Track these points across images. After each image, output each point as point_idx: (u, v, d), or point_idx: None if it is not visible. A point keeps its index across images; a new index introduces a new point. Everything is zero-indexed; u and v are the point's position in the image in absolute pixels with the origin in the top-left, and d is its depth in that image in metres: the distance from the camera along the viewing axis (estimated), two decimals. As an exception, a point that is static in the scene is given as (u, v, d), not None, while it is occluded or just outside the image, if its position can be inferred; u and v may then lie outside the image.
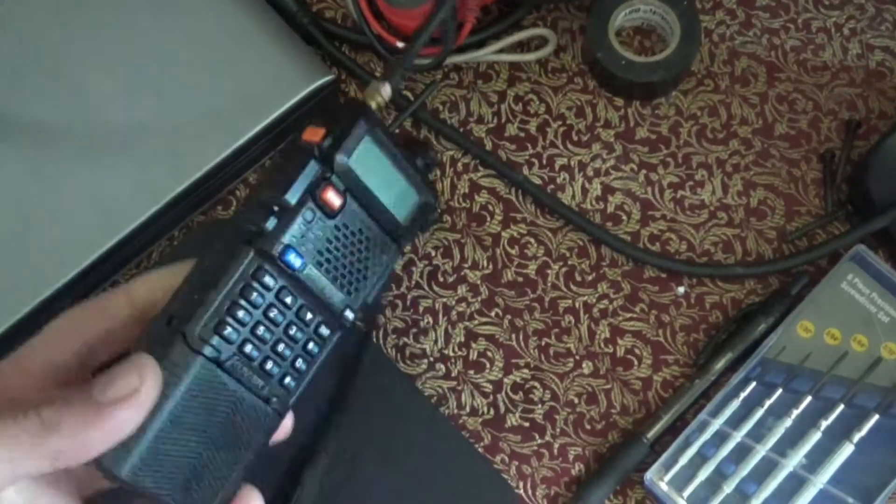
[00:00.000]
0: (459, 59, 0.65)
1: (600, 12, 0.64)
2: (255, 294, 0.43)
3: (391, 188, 0.47)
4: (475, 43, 0.65)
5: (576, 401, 0.61)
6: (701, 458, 0.58)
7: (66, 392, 0.37)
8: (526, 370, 0.61)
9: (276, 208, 0.43)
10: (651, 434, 0.58)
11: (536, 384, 0.61)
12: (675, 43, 0.63)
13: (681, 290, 0.62)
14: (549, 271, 0.62)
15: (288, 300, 0.44)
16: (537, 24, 0.66)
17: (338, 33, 0.66)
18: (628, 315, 0.62)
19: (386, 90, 0.51)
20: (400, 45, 0.63)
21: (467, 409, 0.61)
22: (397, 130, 0.64)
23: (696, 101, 0.65)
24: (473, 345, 0.62)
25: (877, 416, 0.57)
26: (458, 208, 0.64)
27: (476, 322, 0.62)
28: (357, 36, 0.66)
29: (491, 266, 0.63)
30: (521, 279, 0.62)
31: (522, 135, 0.64)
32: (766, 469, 0.57)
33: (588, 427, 0.60)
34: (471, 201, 0.64)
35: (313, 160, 0.43)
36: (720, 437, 0.58)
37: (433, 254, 0.63)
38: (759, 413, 0.58)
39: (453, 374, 0.61)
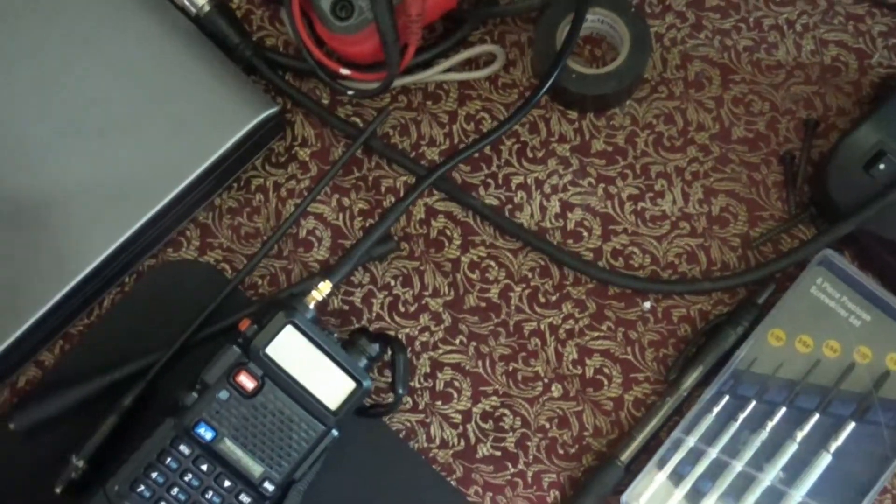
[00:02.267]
0: (407, 81, 0.62)
1: (547, 26, 0.61)
2: (169, 459, 0.51)
3: (318, 376, 0.53)
4: (422, 63, 0.63)
5: (547, 426, 0.58)
6: (677, 477, 0.56)
7: None
8: (495, 397, 0.59)
9: (198, 386, 0.52)
10: (625, 456, 0.56)
11: (506, 411, 0.58)
12: (626, 52, 0.60)
13: (647, 304, 0.59)
14: (511, 294, 0.60)
15: (204, 467, 0.52)
16: (484, 40, 0.64)
17: (280, 62, 0.63)
18: (595, 334, 0.59)
19: (325, 287, 0.55)
20: (343, 71, 0.60)
21: (437, 441, 0.58)
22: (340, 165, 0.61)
23: (651, 109, 0.62)
24: (439, 375, 0.59)
25: (853, 424, 0.55)
26: (416, 235, 0.61)
27: (440, 351, 0.59)
28: (300, 63, 0.63)
29: (452, 292, 0.60)
30: (483, 304, 0.60)
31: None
32: (743, 485, 0.55)
33: (561, 452, 0.58)
34: (427, 227, 0.61)
35: (235, 346, 0.52)
36: (695, 455, 0.56)
37: (392, 283, 0.60)
38: (734, 427, 0.56)
39: (420, 407, 0.59)
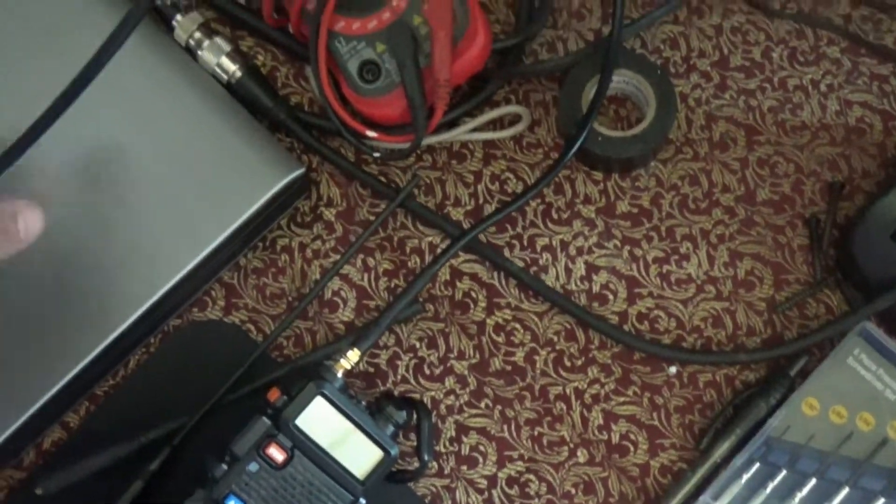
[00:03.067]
0: (432, 140, 0.61)
1: (572, 87, 0.60)
2: None
3: (347, 446, 0.52)
4: (447, 122, 0.61)
5: (573, 492, 0.57)
6: (703, 544, 0.54)
7: None
8: (520, 462, 0.58)
9: (227, 457, 0.51)
10: (653, 526, 0.55)
11: (532, 476, 0.57)
12: (652, 114, 0.59)
13: (672, 369, 0.58)
14: (537, 357, 0.59)
15: None
16: (509, 99, 0.63)
17: (305, 120, 0.62)
18: (621, 399, 0.58)
19: (354, 355, 0.54)
20: (369, 133, 0.59)
21: (463, 507, 0.57)
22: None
23: (675, 171, 0.61)
24: (465, 439, 0.58)
25: (883, 500, 0.53)
26: (441, 296, 0.60)
27: (466, 415, 0.58)
28: (325, 122, 0.62)
29: (478, 355, 0.59)
30: (509, 367, 0.59)
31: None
32: (771, 556, 0.54)
33: (587, 519, 0.57)
34: (453, 288, 0.60)
35: (264, 417, 0.51)
36: (722, 522, 0.55)
37: (417, 345, 0.59)
38: (763, 496, 0.55)
39: (446, 472, 0.58)
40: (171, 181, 0.57)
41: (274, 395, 0.52)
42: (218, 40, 0.59)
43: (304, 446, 0.51)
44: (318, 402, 0.52)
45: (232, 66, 0.59)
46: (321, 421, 0.51)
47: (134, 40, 0.57)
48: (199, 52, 0.59)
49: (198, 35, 0.59)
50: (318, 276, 0.60)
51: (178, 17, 0.58)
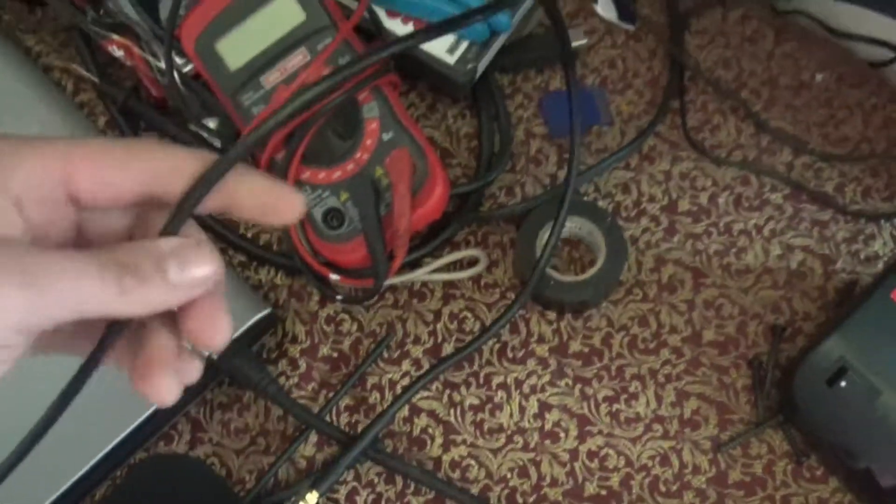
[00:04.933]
0: (394, 281, 0.64)
1: (527, 232, 0.63)
2: None
3: None
4: (409, 262, 0.64)
5: None
6: None
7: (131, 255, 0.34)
8: None
9: None
10: None
11: None
12: (602, 260, 0.62)
13: (621, 507, 0.60)
14: (490, 494, 0.61)
15: None
16: (469, 241, 0.66)
17: (272, 259, 0.65)
18: (571, 536, 0.60)
19: (312, 498, 0.56)
20: (333, 276, 0.61)
21: None
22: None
23: (626, 312, 0.64)
24: (420, 575, 0.60)
25: None
26: (399, 432, 0.62)
27: (421, 551, 0.60)
28: (291, 262, 0.64)
29: (433, 492, 0.61)
30: None
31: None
32: None
33: None
34: (410, 425, 0.62)
35: None
36: None
37: (376, 480, 0.61)
38: None
39: None
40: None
41: None
42: None
43: None
44: None
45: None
46: None
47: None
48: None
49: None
50: (280, 413, 0.62)
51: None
